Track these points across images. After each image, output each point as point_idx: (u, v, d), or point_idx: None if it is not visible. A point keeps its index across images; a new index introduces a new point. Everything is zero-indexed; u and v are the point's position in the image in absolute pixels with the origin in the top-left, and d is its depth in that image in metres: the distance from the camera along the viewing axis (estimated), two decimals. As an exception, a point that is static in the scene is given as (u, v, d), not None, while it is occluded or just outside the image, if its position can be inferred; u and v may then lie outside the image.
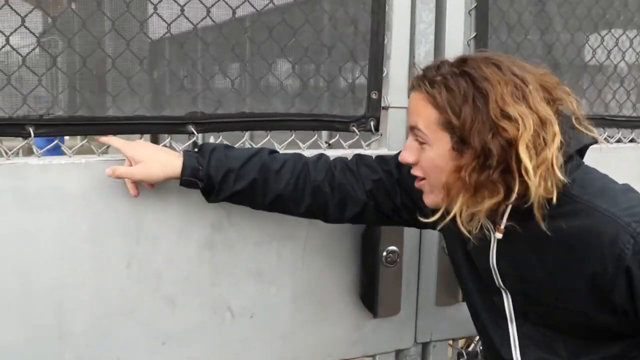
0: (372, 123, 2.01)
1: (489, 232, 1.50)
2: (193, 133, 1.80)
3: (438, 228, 1.54)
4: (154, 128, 1.80)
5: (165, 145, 1.78)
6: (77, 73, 1.69)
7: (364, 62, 1.99)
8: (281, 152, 1.80)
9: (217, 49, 1.84)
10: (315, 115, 1.95)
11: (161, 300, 1.80)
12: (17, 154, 1.68)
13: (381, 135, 2.03)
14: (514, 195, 1.38)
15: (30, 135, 1.63)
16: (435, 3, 2.08)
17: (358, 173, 1.73)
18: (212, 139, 1.88)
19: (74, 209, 1.68)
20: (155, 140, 1.88)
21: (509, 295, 1.58)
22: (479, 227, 1.43)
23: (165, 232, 1.79)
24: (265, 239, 1.90)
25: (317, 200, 1.71)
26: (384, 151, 1.97)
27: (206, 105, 1.83)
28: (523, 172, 1.35)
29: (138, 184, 1.71)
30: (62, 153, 1.75)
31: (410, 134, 1.54)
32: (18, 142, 1.68)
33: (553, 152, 1.36)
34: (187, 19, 1.75)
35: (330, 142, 2.00)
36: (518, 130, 1.35)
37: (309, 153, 1.81)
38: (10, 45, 1.58)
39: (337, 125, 1.98)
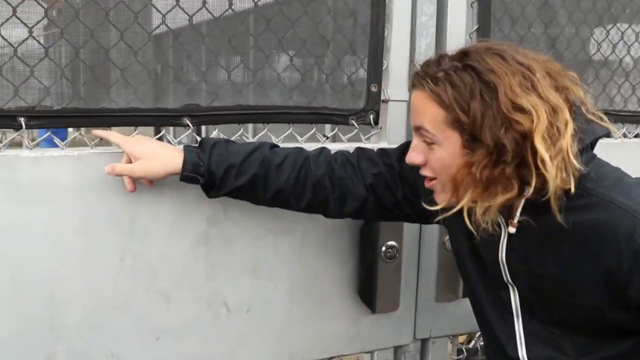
0: (371, 116, 1.98)
1: (500, 227, 1.46)
2: (189, 126, 1.78)
3: (435, 220, 1.51)
4: (149, 120, 1.77)
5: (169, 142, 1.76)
6: (70, 64, 1.67)
7: (364, 55, 1.96)
8: (282, 146, 1.77)
9: (214, 41, 1.81)
10: (314, 108, 1.92)
11: (155, 294, 1.78)
12: (7, 145, 1.66)
13: (381, 128, 2.00)
14: (531, 189, 1.34)
15: (21, 127, 1.61)
16: (436, -5, 2.04)
17: (359, 167, 1.70)
18: (215, 133, 1.86)
19: (66, 201, 1.66)
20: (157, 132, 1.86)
21: (517, 291, 1.54)
22: (490, 223, 1.39)
23: (160, 225, 1.76)
24: (262, 233, 1.88)
25: (317, 195, 1.69)
26: (383, 145, 1.94)
27: (202, 97, 1.81)
28: (540, 164, 1.30)
29: (136, 180, 1.69)
30: (55, 146, 1.72)
31: (415, 134, 1.49)
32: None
33: (567, 141, 1.32)
34: (183, 9, 1.72)
35: (329, 135, 1.97)
36: (532, 122, 1.30)
37: (307, 146, 1.78)
38: (1, 36, 1.56)
39: (335, 118, 1.95)
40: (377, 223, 1.92)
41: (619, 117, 2.43)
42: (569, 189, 1.33)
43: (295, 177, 1.67)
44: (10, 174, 1.60)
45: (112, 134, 1.71)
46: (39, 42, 1.62)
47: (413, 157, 1.49)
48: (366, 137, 2.00)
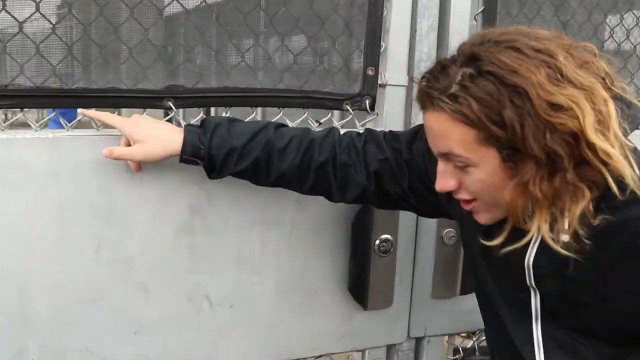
0: (367, 101, 1.87)
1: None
2: (171, 108, 1.68)
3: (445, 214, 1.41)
4: (129, 102, 1.68)
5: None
6: (46, 40, 1.57)
7: (361, 36, 1.85)
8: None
9: (200, 18, 1.71)
10: (306, 92, 1.82)
11: (133, 287, 1.70)
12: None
13: (377, 114, 1.90)
14: (614, 186, 1.20)
15: (-10, 106, 1.52)
16: (440, -27, 1.93)
17: (364, 151, 1.59)
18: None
19: (39, 187, 1.58)
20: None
21: (539, 294, 1.40)
22: (575, 237, 1.24)
23: (139, 213, 1.68)
24: (248, 223, 1.79)
25: (320, 180, 1.60)
26: (379, 132, 1.83)
27: (186, 78, 1.71)
28: (604, 156, 1.18)
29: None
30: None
31: (441, 160, 1.33)
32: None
33: (614, 119, 1.19)
34: (166, -17, 1.63)
35: (322, 121, 1.87)
36: (577, 117, 1.16)
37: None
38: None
39: (329, 103, 1.85)
40: (371, 215, 1.83)
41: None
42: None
43: (299, 162, 1.58)
44: (-22, 156, 1.51)
45: (108, 116, 1.63)
46: (14, 17, 1.52)
47: (444, 184, 1.34)
48: (361, 123, 1.90)
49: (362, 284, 1.87)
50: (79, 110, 1.66)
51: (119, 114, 1.75)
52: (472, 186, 1.31)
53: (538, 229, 1.25)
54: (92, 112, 1.65)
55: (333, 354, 1.98)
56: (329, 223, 1.87)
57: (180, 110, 1.73)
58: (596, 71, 1.25)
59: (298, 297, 1.88)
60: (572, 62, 1.22)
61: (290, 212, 1.82)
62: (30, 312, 1.62)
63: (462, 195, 1.35)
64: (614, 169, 1.19)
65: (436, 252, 2.00)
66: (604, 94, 1.21)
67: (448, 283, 2.02)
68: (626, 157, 1.20)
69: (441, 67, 1.27)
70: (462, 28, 1.95)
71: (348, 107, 1.86)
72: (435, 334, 2.08)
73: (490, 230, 1.37)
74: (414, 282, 2.01)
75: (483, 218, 1.37)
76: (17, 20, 1.53)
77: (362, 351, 2.02)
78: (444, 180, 1.34)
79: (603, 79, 1.25)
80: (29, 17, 1.54)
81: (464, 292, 2.01)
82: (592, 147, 1.17)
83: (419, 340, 2.08)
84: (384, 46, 1.87)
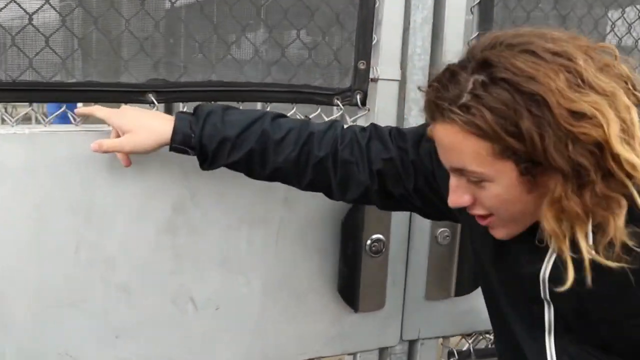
0: (358, 96, 1.81)
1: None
2: (153, 102, 1.62)
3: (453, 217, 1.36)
4: (109, 96, 1.62)
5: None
6: (22, 32, 1.51)
7: (352, 28, 1.79)
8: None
9: (184, 9, 1.66)
10: (294, 87, 1.76)
11: (114, 289, 1.65)
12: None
13: (369, 110, 1.84)
14: (639, 200, 1.12)
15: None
16: (434, -37, 1.87)
17: (367, 148, 1.50)
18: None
19: (15, 184, 1.53)
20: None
21: (552, 307, 1.32)
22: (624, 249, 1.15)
23: (120, 212, 1.63)
24: (234, 222, 1.73)
25: (319, 177, 1.52)
26: (371, 128, 1.77)
27: (169, 71, 1.65)
28: (628, 168, 1.10)
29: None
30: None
31: (453, 175, 1.26)
32: None
33: (637, 127, 1.12)
34: (148, -27, 1.56)
35: (311, 116, 1.81)
36: (601, 126, 1.09)
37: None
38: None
39: (318, 97, 1.79)
40: (362, 214, 1.77)
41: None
42: None
43: (296, 156, 1.50)
44: (-50, 152, 1.46)
45: (96, 109, 1.57)
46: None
47: (457, 200, 1.27)
48: (352, 119, 1.83)
49: (352, 285, 1.82)
50: (76, 110, 1.62)
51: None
52: (487, 201, 1.24)
53: (573, 246, 1.17)
54: (83, 110, 1.59)
55: (323, 357, 1.92)
56: (319, 222, 1.82)
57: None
58: (617, 75, 1.17)
59: (286, 299, 1.82)
60: (592, 65, 1.14)
61: (278, 211, 1.77)
62: (6, 316, 1.56)
63: (478, 211, 1.28)
64: (638, 181, 1.12)
65: (430, 252, 1.95)
66: (626, 101, 1.13)
67: (442, 284, 1.96)
68: None
69: (450, 74, 1.19)
70: (457, 21, 1.90)
71: (338, 102, 1.80)
72: (429, 336, 2.03)
73: (502, 241, 1.31)
74: (406, 283, 1.95)
75: (500, 233, 1.30)
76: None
77: (354, 354, 1.96)
78: (457, 196, 1.26)
79: (625, 82, 1.17)
80: (4, 7, 1.48)
81: (458, 293, 1.96)
82: (616, 158, 1.10)
83: (412, 343, 2.03)
84: (376, 39, 1.82)
